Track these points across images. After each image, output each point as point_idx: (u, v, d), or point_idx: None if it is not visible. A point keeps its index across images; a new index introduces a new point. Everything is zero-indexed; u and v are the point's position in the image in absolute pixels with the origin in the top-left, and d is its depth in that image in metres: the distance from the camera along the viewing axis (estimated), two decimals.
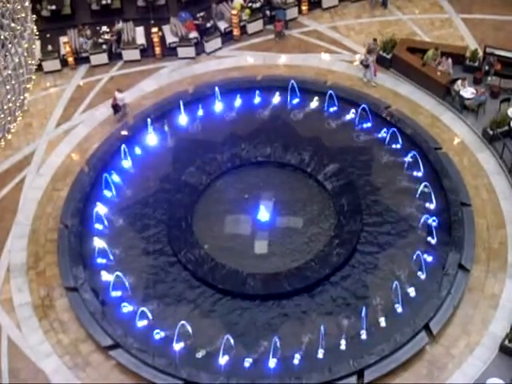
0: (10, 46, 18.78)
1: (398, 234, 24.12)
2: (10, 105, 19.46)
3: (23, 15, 19.27)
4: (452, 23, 30.98)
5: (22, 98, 20.00)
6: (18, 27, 19.01)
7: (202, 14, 31.11)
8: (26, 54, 19.31)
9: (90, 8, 31.79)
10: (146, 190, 25.64)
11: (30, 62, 19.82)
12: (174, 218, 24.77)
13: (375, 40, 28.91)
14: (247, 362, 21.41)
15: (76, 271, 23.36)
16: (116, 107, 27.73)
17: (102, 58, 29.99)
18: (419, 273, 23.09)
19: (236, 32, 30.66)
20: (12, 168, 26.73)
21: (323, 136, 26.83)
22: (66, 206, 25.13)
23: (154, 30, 29.98)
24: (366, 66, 28.43)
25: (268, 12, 31.14)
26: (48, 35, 30.17)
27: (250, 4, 31.02)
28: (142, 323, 22.27)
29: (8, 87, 19.04)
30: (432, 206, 24.50)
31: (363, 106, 27.02)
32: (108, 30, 30.37)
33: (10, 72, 18.84)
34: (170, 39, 30.46)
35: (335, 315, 22.33)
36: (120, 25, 30.52)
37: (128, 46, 30.13)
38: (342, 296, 22.83)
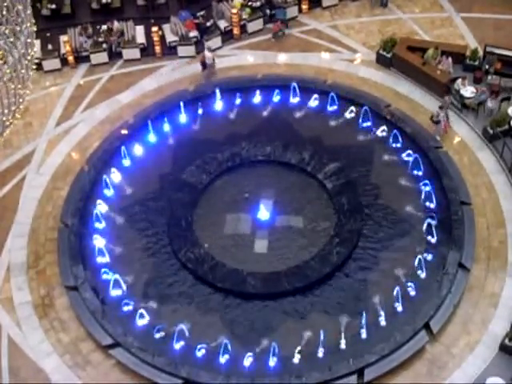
0: None
1: (398, 232, 24.11)
2: None
3: (11, 40, 18.93)
4: (452, 22, 30.95)
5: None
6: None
7: (202, 12, 31.07)
8: (4, 79, 18.75)
9: (90, 7, 31.74)
10: (146, 188, 25.64)
11: (13, 86, 19.39)
12: (174, 216, 24.77)
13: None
14: (247, 361, 21.41)
15: (76, 270, 23.36)
16: (204, 64, 28.68)
17: (102, 56, 29.98)
18: (419, 272, 23.09)
19: (236, 31, 30.64)
20: (12, 167, 26.72)
21: (323, 135, 26.83)
22: (66, 205, 25.14)
23: (154, 28, 29.97)
24: (437, 122, 26.40)
25: (268, 11, 31.14)
26: (48, 34, 30.16)
27: (250, 3, 31.01)
28: (141, 322, 22.28)
29: None
30: (432, 205, 24.50)
31: (363, 104, 27.04)
32: (110, 29, 30.31)
33: None
34: (170, 38, 30.44)
35: (335, 314, 22.32)
36: (118, 24, 30.49)
37: (128, 45, 30.12)
38: (341, 295, 22.83)
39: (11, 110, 19.79)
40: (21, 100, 20.26)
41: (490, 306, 22.62)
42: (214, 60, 29.03)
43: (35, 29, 20.71)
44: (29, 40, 19.76)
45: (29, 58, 19.99)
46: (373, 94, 27.99)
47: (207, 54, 28.88)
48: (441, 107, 26.37)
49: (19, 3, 19.11)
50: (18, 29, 19.19)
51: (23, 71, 19.76)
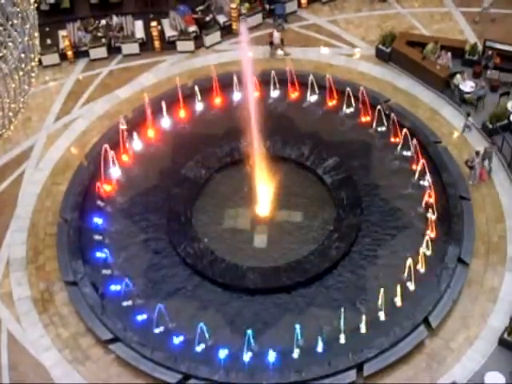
0: None
1: (397, 227, 24.13)
2: None
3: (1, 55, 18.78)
4: (452, 17, 30.94)
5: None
6: None
7: (201, 7, 31.07)
8: None
9: (88, 2, 31.74)
10: (146, 183, 25.64)
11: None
12: (173, 211, 24.77)
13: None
14: (247, 356, 21.42)
15: (75, 265, 23.37)
16: (272, 43, 29.59)
17: (101, 51, 29.97)
18: (418, 266, 23.10)
19: (235, 26, 30.62)
20: (11, 162, 26.72)
21: (322, 130, 26.82)
22: (65, 200, 25.14)
23: (153, 23, 29.96)
24: (471, 168, 25.11)
25: (267, 6, 31.11)
26: (47, 29, 30.06)
27: None
28: (141, 317, 22.29)
29: None
30: (431, 200, 24.49)
31: (362, 100, 27.04)
32: (109, 24, 30.29)
33: None
34: (169, 33, 30.43)
35: (334, 309, 22.30)
36: (117, 19, 30.49)
37: (127, 40, 30.11)
38: (341, 290, 22.84)
39: None
40: (10, 114, 19.99)
41: (489, 301, 22.66)
42: (282, 40, 29.44)
43: (37, 42, 20.51)
44: (23, 55, 19.39)
45: (21, 73, 19.62)
46: (372, 89, 27.95)
47: (275, 33, 29.40)
48: (477, 153, 24.92)
49: (16, 17, 18.90)
50: (10, 44, 18.95)
51: (13, 86, 19.44)
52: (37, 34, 20.25)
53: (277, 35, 29.49)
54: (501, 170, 25.58)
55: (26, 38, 19.33)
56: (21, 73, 19.54)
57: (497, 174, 25.47)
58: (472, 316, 22.40)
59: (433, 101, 27.78)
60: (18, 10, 18.93)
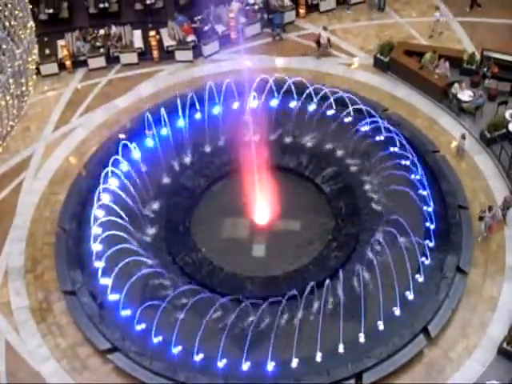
0: None
1: (396, 236, 24.06)
2: None
3: None
4: (449, 26, 31.01)
5: None
6: None
7: (199, 17, 31.15)
8: None
9: (87, 11, 31.83)
10: (144, 193, 25.61)
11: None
12: (171, 221, 24.76)
13: None
14: (245, 366, 21.39)
15: (74, 275, 23.36)
16: (318, 43, 29.87)
17: (100, 61, 30.03)
18: (417, 276, 23.09)
19: (233, 35, 30.68)
20: (10, 171, 26.74)
21: (321, 139, 26.83)
22: (63, 210, 25.14)
23: (152, 33, 30.04)
24: (481, 219, 23.90)
25: (265, 15, 31.18)
26: (45, 39, 30.16)
27: (247, 7, 31.05)
28: (139, 327, 22.24)
29: None
30: (430, 209, 24.48)
31: (361, 108, 27.04)
32: (108, 34, 30.37)
33: None
34: (168, 42, 30.52)
35: (333, 318, 22.28)
36: (115, 29, 30.57)
37: (126, 50, 30.16)
38: (339, 299, 22.80)
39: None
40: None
41: (488, 310, 22.65)
42: (329, 40, 29.72)
43: (32, 66, 20.31)
44: (11, 80, 19.10)
45: (8, 97, 19.32)
46: (370, 98, 27.98)
47: (323, 33, 29.62)
48: (489, 208, 23.87)
49: (6, 42, 18.77)
50: None
51: None
52: (31, 59, 20.03)
53: (324, 35, 29.64)
54: (499, 179, 25.61)
55: (17, 63, 19.13)
56: (8, 97, 19.36)
57: (495, 183, 25.49)
58: (471, 325, 22.38)
59: (431, 110, 27.83)
60: (6, 35, 18.75)
